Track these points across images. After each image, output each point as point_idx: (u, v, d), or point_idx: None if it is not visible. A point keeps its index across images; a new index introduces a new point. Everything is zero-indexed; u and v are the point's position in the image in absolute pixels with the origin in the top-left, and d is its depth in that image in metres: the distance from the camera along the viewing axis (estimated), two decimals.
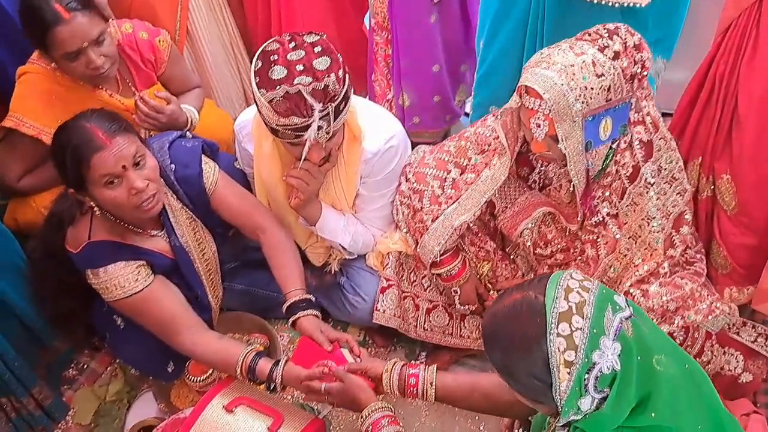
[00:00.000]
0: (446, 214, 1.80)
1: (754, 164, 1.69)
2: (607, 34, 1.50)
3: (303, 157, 1.70)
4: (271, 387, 1.68)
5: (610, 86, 1.46)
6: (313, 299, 1.83)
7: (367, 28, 2.56)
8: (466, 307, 1.92)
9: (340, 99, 1.62)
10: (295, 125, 1.61)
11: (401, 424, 1.53)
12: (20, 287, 1.91)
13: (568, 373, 1.05)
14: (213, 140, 2.00)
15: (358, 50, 2.56)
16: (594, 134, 1.50)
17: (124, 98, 2.08)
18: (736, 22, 1.66)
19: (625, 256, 1.69)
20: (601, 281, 1.70)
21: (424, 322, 2.00)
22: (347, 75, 1.66)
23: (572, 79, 1.44)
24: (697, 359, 1.71)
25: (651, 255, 1.67)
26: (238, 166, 2.08)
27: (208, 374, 1.93)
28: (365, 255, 2.10)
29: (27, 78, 1.99)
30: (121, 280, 1.70)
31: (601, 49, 1.48)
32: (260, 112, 1.67)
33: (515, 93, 1.58)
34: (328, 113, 1.61)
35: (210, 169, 1.88)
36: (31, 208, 2.07)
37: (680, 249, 1.73)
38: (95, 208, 1.66)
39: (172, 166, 1.82)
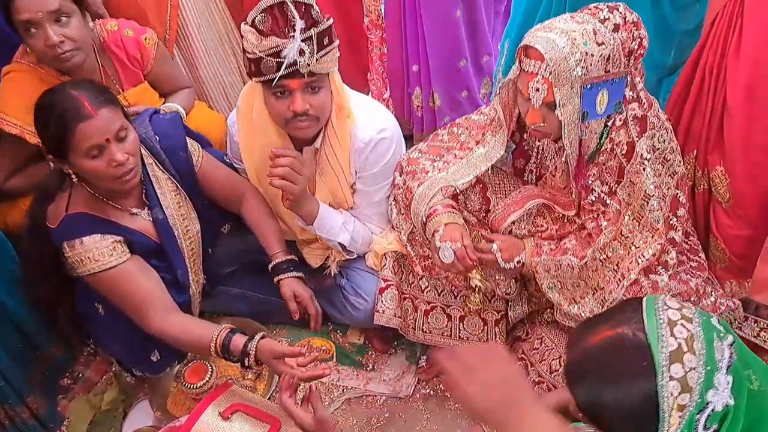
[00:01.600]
0: (434, 179, 1.77)
1: (745, 154, 1.68)
2: (606, 9, 1.52)
3: (283, 79, 1.65)
4: (246, 363, 1.62)
5: (609, 56, 1.48)
6: (296, 259, 1.92)
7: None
8: (447, 255, 1.66)
9: (323, 29, 1.65)
10: (276, 47, 1.62)
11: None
12: (14, 292, 1.88)
13: (680, 417, 0.95)
14: None
15: (363, 48, 2.55)
16: (591, 104, 1.51)
17: None
18: (722, 12, 1.65)
19: (627, 237, 1.66)
20: (599, 260, 1.66)
21: (423, 324, 1.97)
22: (331, 18, 1.69)
23: (573, 44, 1.45)
24: None
25: (653, 236, 1.64)
26: (227, 160, 2.08)
27: (204, 381, 1.89)
28: (365, 255, 2.08)
29: (11, 76, 1.97)
30: (96, 253, 1.67)
31: (602, 21, 1.50)
32: (245, 53, 1.68)
33: (516, 61, 1.57)
34: (311, 38, 1.63)
35: (193, 144, 1.91)
36: (20, 210, 2.03)
37: (680, 232, 1.70)
38: (74, 177, 1.65)
39: (156, 137, 1.81)
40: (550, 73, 1.47)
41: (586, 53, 1.45)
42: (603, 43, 1.47)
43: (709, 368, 0.95)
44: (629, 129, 1.58)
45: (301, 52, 1.62)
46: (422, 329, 1.99)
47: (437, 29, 2.38)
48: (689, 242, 1.80)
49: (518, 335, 1.99)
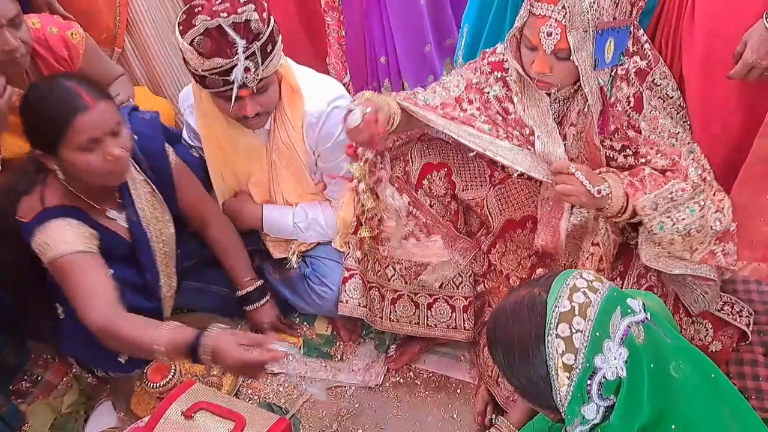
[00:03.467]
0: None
1: (703, 123, 1.68)
2: None
3: (234, 97, 1.63)
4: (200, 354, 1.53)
5: (618, 1, 1.46)
6: (264, 284, 2.06)
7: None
8: (356, 118, 1.52)
9: (265, 39, 1.60)
10: (220, 67, 1.58)
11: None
12: None
13: (568, 378, 1.01)
14: None
15: (321, 33, 2.49)
16: (600, 51, 1.49)
17: None
18: None
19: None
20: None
21: (390, 312, 1.95)
22: (272, 18, 1.64)
23: None
24: None
25: (680, 158, 1.57)
26: (195, 155, 2.04)
27: (167, 380, 1.87)
28: (329, 243, 2.07)
29: None
30: (68, 235, 1.60)
31: None
32: (188, 65, 1.64)
33: (523, 8, 1.53)
34: (254, 53, 1.59)
35: (170, 150, 1.88)
36: None
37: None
38: (57, 173, 1.61)
39: (135, 136, 1.74)
40: (564, 16, 1.43)
41: None
42: None
43: (598, 334, 1.00)
44: (631, 80, 1.57)
45: (247, 70, 1.59)
46: (390, 318, 1.96)
47: (402, 19, 2.37)
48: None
49: (487, 320, 1.98)
